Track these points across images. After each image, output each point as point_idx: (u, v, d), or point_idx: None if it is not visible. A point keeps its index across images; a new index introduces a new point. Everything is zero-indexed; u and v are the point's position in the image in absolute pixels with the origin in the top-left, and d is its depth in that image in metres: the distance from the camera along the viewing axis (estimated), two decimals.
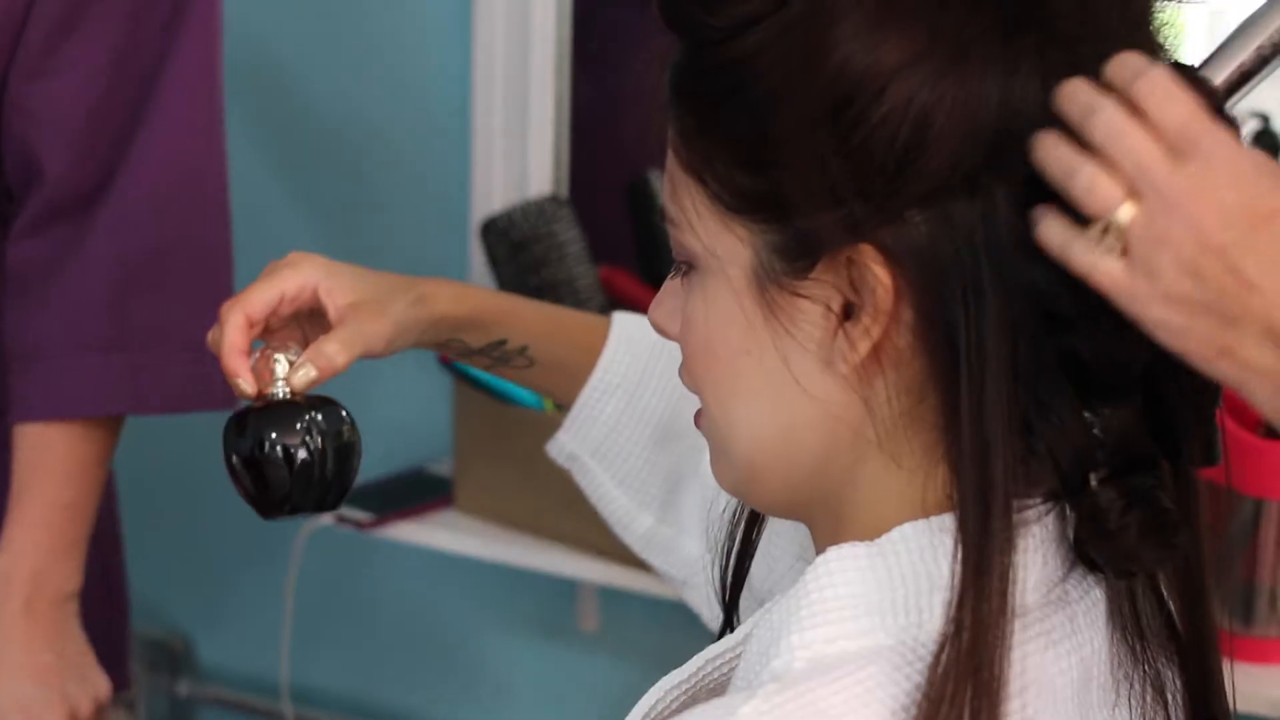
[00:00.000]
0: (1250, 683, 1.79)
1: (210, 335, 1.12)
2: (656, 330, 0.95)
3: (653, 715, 0.92)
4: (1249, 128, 2.16)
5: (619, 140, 2.27)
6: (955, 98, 0.82)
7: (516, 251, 2.14)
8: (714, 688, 0.92)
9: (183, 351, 1.60)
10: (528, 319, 1.23)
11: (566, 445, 1.28)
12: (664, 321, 0.95)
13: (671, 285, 0.94)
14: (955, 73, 0.82)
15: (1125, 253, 0.78)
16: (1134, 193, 0.78)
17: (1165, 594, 0.92)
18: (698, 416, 0.94)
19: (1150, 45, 0.86)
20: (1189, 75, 0.81)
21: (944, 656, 0.81)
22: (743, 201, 0.86)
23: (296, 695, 2.44)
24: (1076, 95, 0.80)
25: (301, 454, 1.06)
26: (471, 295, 1.22)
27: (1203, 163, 0.77)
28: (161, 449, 2.60)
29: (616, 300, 2.21)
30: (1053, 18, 0.83)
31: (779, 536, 1.07)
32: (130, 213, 1.58)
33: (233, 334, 1.10)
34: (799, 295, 0.85)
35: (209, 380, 1.59)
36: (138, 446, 1.99)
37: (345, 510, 2.19)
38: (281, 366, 1.08)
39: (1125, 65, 0.80)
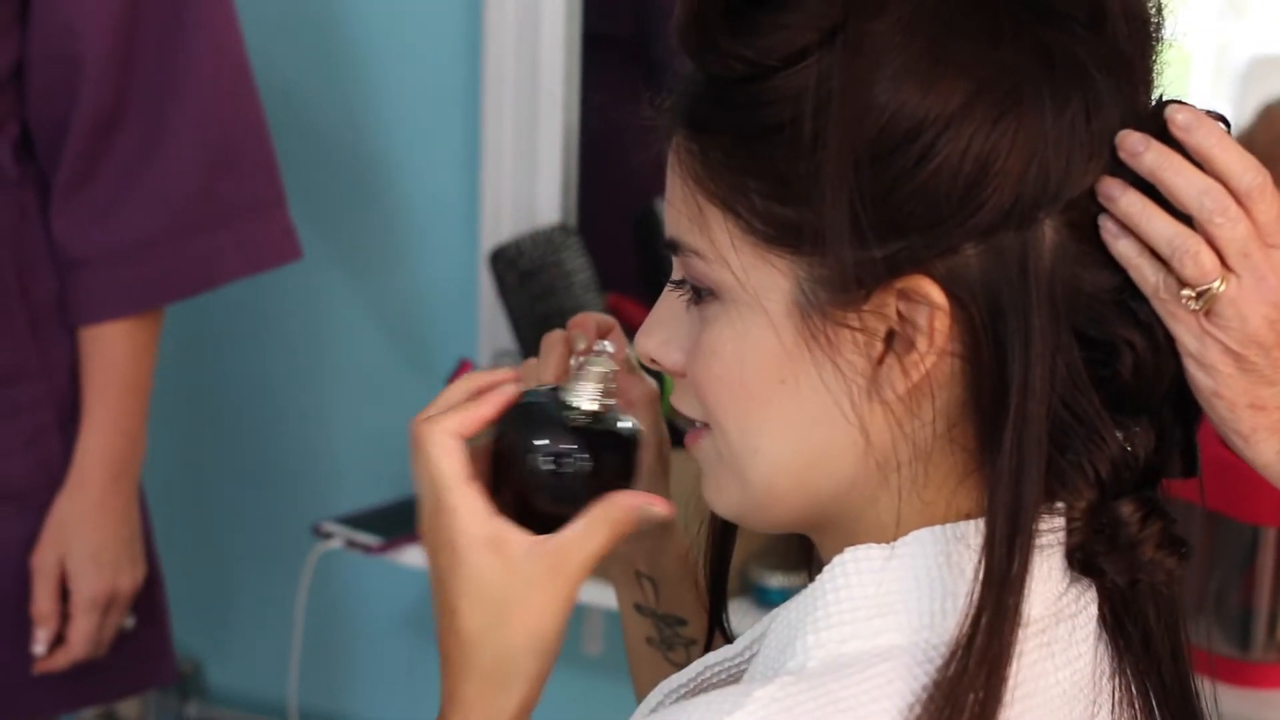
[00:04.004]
0: (1247, 707, 1.82)
1: None
2: (647, 360, 0.95)
3: (653, 718, 0.94)
4: None
5: (627, 170, 2.29)
6: (1015, 136, 0.84)
7: (525, 280, 2.16)
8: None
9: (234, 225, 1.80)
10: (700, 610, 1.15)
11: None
12: (659, 352, 0.94)
13: (664, 313, 0.94)
14: (1014, 112, 0.84)
15: (1208, 313, 0.87)
16: (1228, 267, 0.87)
17: (1143, 610, 0.94)
18: (693, 438, 0.95)
19: (1153, 78, 0.90)
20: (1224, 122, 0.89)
21: (955, 662, 0.84)
22: (784, 233, 0.87)
23: (305, 718, 2.46)
24: (1184, 173, 0.87)
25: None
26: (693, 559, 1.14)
27: None
28: (172, 473, 2.62)
29: (623, 328, 2.22)
30: (1094, 58, 0.86)
31: None
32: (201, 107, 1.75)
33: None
34: (847, 325, 0.87)
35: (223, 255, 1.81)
36: (147, 470, 2.01)
37: (354, 534, 2.21)
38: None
39: (1242, 163, 0.87)
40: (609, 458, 0.98)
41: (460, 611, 0.93)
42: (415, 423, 0.96)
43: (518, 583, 0.93)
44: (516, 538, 0.94)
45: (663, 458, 1.09)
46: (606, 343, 1.01)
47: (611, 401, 0.98)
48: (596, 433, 0.98)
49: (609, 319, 1.09)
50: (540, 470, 0.96)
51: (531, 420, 0.98)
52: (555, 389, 0.99)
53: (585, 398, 0.98)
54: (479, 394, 0.98)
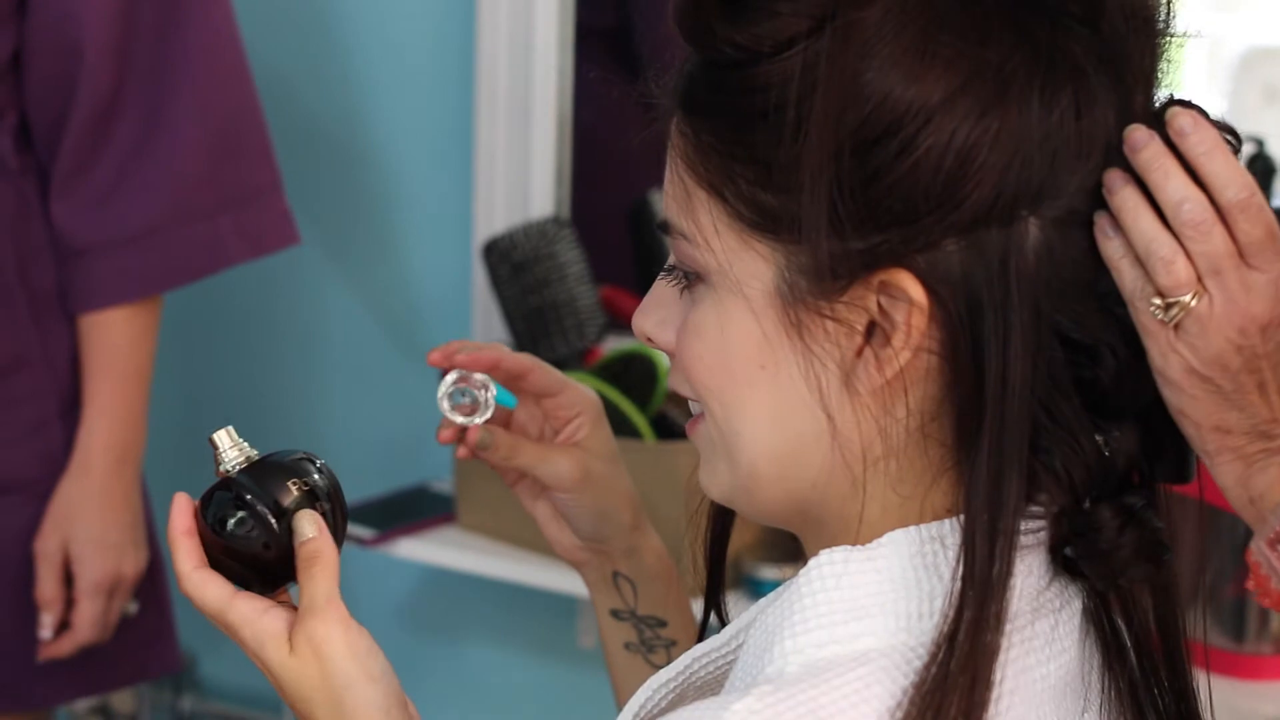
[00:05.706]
0: (1242, 699, 1.82)
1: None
2: (642, 338, 0.96)
3: (642, 714, 0.94)
4: (1244, 152, 2.16)
5: (620, 162, 2.29)
6: (1000, 132, 0.84)
7: (518, 272, 2.15)
8: (701, 686, 0.94)
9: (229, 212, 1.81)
10: (690, 614, 1.19)
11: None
12: (654, 331, 0.95)
13: (661, 294, 0.94)
14: (999, 107, 0.84)
15: (1177, 326, 0.86)
16: (1201, 281, 0.85)
17: (1137, 604, 0.94)
18: (691, 426, 0.95)
19: (1159, 81, 0.89)
20: (1232, 133, 0.88)
21: (937, 665, 0.83)
22: (768, 221, 0.87)
23: None
24: (1172, 177, 0.85)
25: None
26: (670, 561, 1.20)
27: (1268, 278, 0.86)
28: (164, 465, 2.62)
29: (617, 320, 2.22)
30: (1089, 54, 0.86)
31: None
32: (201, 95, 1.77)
33: None
34: (825, 316, 0.87)
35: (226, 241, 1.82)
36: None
37: (347, 527, 2.21)
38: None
39: (1230, 175, 0.85)
40: (270, 488, 1.10)
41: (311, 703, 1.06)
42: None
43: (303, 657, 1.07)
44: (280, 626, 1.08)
45: (609, 456, 1.16)
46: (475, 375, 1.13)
47: (253, 452, 1.10)
48: (246, 475, 1.09)
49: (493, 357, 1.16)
50: (226, 535, 1.09)
51: (205, 501, 1.09)
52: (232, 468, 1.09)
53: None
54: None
